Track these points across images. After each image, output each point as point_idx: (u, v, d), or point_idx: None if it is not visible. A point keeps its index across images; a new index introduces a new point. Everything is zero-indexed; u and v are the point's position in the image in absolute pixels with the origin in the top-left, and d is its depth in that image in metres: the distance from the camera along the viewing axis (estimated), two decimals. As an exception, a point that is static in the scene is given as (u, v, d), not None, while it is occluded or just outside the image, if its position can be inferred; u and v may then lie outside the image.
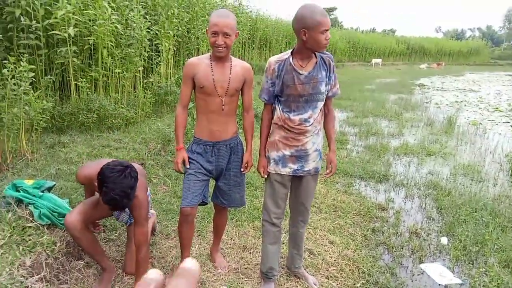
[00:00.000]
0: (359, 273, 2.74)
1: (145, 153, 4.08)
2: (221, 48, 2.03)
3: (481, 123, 8.51)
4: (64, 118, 4.42)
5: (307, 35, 1.95)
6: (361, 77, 20.25)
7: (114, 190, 1.80)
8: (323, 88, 2.11)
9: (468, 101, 12.52)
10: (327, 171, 2.34)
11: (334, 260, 2.86)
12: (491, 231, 3.31)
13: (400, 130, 7.44)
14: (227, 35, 2.01)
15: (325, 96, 2.17)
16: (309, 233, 3.21)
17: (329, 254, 2.94)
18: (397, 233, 3.38)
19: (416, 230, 3.42)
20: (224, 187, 2.37)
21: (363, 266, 2.80)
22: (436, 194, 4.22)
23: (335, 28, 33.25)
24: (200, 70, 2.10)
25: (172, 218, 3.22)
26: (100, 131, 4.50)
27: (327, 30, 1.94)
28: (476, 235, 3.26)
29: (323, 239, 3.16)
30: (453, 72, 28.60)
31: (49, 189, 2.51)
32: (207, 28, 2.06)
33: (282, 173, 2.23)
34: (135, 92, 5.46)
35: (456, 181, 4.68)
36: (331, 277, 2.67)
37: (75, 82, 4.59)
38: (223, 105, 2.13)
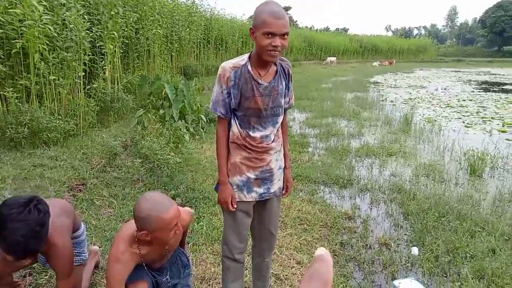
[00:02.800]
0: (330, 298, 2.48)
1: (87, 171, 3.60)
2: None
3: (435, 120, 8.69)
4: (-12, 133, 3.83)
5: (255, 35, 1.63)
6: (318, 76, 20.43)
7: (16, 231, 1.37)
8: (282, 100, 1.83)
9: (421, 97, 12.89)
10: (283, 191, 2.05)
11: (303, 284, 2.58)
12: (461, 237, 3.19)
13: (360, 130, 7.39)
14: (286, 35, 1.62)
15: (283, 109, 1.88)
16: (275, 253, 2.92)
17: (297, 277, 2.67)
18: (367, 245, 3.17)
19: (386, 241, 3.24)
20: None
21: (334, 289, 2.55)
22: (401, 198, 4.09)
23: (291, 27, 33.41)
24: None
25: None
26: (34, 147, 3.94)
27: (273, 34, 1.56)
28: (446, 243, 3.12)
29: (290, 259, 2.88)
30: (404, 69, 29.74)
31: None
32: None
33: (248, 200, 1.90)
34: (74, 100, 4.88)
35: (419, 182, 4.60)
36: (300, 306, 2.39)
37: (1, 92, 3.99)
38: None
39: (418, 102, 11.69)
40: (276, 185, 1.96)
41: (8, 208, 1.38)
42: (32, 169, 3.31)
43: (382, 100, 11.85)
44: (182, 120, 5.63)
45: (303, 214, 3.62)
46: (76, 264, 1.93)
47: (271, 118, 1.80)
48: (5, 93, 3.96)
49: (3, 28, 4.00)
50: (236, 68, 1.73)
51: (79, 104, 4.75)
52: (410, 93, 14.30)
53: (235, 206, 1.88)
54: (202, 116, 6.21)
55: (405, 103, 11.38)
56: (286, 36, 1.61)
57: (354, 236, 3.31)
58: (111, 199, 3.40)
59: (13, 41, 4.10)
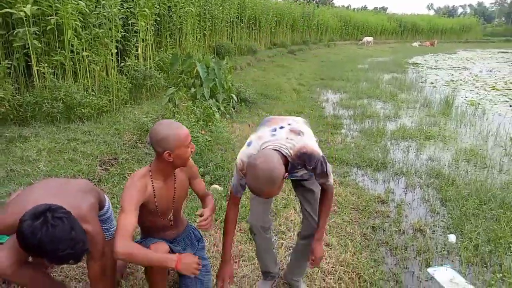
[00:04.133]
0: (359, 282, 2.39)
1: (118, 146, 3.65)
2: None
3: (479, 103, 8.17)
4: (27, 108, 3.94)
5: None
6: (354, 56, 19.77)
7: (57, 250, 1.33)
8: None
9: (464, 79, 12.16)
10: (308, 262, 1.99)
11: (332, 267, 2.51)
12: (504, 226, 2.98)
13: (396, 112, 7.07)
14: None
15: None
16: (302, 234, 2.85)
17: (326, 259, 2.59)
18: (400, 230, 3.03)
19: (420, 226, 3.08)
20: None
21: (364, 273, 2.45)
22: (439, 183, 3.88)
23: (326, 6, 32.39)
24: None
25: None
26: (69, 122, 4.04)
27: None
28: (487, 232, 2.92)
29: (318, 241, 2.80)
30: (446, 50, 28.19)
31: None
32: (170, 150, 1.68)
33: None
34: (108, 77, 4.94)
35: (459, 168, 4.34)
36: (328, 288, 2.32)
37: (37, 68, 4.08)
38: None
39: (461, 84, 11.04)
40: (299, 172, 1.92)
41: (30, 232, 1.31)
42: (66, 142, 3.39)
43: (422, 82, 11.29)
44: (213, 99, 5.59)
45: (334, 197, 3.49)
46: (108, 239, 1.95)
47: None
48: (41, 69, 4.05)
49: (39, 5, 4.06)
50: None
51: (112, 81, 4.81)
52: (452, 74, 13.54)
53: (230, 285, 1.91)
54: (233, 95, 6.15)
55: (446, 85, 10.78)
56: None
57: (386, 221, 3.17)
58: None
59: (48, 18, 4.17)
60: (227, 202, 1.96)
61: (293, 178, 2.02)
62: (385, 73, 12.99)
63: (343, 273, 2.45)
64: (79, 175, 2.99)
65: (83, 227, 1.48)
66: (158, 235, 1.87)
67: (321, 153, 1.72)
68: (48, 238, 1.31)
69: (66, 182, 1.78)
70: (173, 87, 5.34)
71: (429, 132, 5.70)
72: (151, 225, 1.84)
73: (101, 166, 3.23)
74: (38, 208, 1.37)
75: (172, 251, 1.83)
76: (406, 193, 3.74)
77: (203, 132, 4.01)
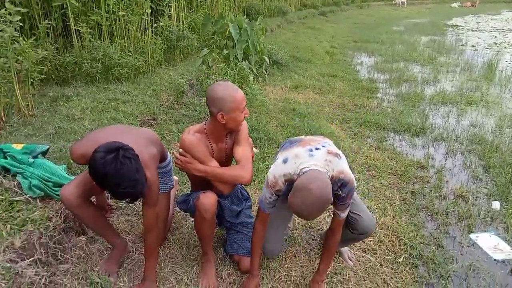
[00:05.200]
0: (400, 245, 2.39)
1: (156, 107, 3.69)
2: None
3: (526, 67, 7.67)
4: (67, 68, 4.02)
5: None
6: (388, 18, 18.82)
7: (119, 185, 1.42)
8: None
9: (509, 42, 11.39)
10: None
11: (371, 229, 2.51)
12: (552, 195, 2.87)
13: (435, 76, 6.76)
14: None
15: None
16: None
17: (365, 222, 2.59)
18: (440, 196, 2.98)
19: (462, 193, 3.01)
20: None
21: (404, 237, 2.45)
22: (482, 150, 3.74)
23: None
24: None
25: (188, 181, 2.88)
26: (107, 82, 4.10)
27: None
28: (535, 200, 2.83)
29: (357, 204, 2.79)
30: (489, 11, 26.25)
31: (44, 154, 2.18)
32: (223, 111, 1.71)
33: None
34: (143, 38, 4.93)
35: (503, 134, 4.16)
36: (368, 250, 2.33)
37: (75, 27, 4.11)
38: None
39: (505, 47, 10.35)
40: None
41: (101, 164, 1.41)
42: (107, 102, 3.46)
43: (462, 45, 10.67)
44: (246, 61, 5.50)
45: (371, 161, 3.45)
46: (164, 192, 2.04)
47: None
48: (79, 29, 4.08)
49: (75, -37, 4.02)
50: (288, 181, 1.64)
51: (147, 42, 4.79)
52: (496, 37, 12.68)
53: None
54: (266, 58, 6.03)
55: (489, 48, 10.15)
56: None
57: (426, 186, 3.11)
58: (179, 135, 3.48)
59: (85, -24, 4.14)
60: (255, 218, 1.87)
61: None
62: (422, 35, 12.33)
63: (383, 236, 2.45)
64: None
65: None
66: (207, 189, 1.91)
67: (355, 184, 1.67)
68: (115, 172, 1.41)
69: (134, 129, 1.90)
70: (206, 49, 5.27)
71: (471, 97, 5.44)
72: (200, 180, 1.87)
73: (142, 126, 3.29)
74: (112, 144, 1.47)
75: (219, 205, 1.88)
76: (446, 159, 3.64)
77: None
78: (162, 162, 2.00)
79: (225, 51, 5.43)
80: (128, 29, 4.71)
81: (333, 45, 9.84)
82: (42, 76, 3.38)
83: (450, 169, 3.43)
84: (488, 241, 2.48)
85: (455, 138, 4.07)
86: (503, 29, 15.04)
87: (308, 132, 3.85)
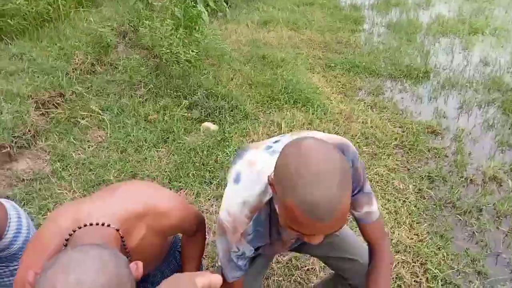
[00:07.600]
0: (428, 280, 1.64)
1: (67, 74, 2.58)
2: None
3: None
4: None
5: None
6: None
7: None
8: None
9: None
10: None
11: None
12: None
13: (428, -4, 5.68)
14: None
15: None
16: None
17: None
18: (466, 179, 2.18)
19: (494, 172, 2.22)
20: None
21: (430, 262, 1.69)
22: (504, 98, 2.93)
23: None
24: None
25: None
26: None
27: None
28: None
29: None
30: None
31: None
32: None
33: None
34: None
35: (525, 73, 3.33)
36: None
37: None
38: None
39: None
40: None
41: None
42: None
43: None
44: (198, -8, 4.24)
45: (369, 129, 2.59)
46: None
47: None
48: None
49: None
50: (257, 209, 0.96)
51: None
52: None
53: None
54: (225, -15, 4.74)
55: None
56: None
57: (445, 164, 2.31)
58: (101, 115, 2.44)
59: None
60: None
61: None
62: None
63: (402, 265, 1.68)
64: None
65: None
66: None
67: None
68: None
69: None
70: None
71: (475, 24, 4.50)
72: None
73: (39, 110, 2.22)
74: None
75: None
76: (461, 116, 2.82)
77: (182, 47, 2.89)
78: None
79: (169, -19, 4.12)
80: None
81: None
82: None
83: (469, 133, 2.62)
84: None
85: (467, 83, 3.22)
86: None
87: (283, 92, 2.88)
